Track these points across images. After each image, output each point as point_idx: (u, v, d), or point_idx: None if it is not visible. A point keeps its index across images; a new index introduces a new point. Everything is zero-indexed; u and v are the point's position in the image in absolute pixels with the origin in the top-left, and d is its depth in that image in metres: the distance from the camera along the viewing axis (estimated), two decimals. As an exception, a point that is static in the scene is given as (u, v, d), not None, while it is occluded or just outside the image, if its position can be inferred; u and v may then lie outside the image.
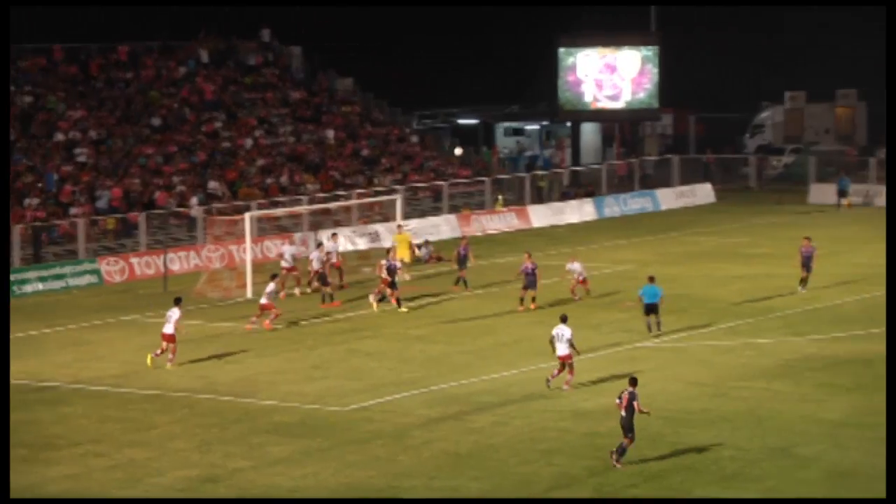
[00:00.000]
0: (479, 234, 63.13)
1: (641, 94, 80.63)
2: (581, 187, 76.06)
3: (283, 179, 64.49)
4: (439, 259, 54.62)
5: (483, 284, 48.40)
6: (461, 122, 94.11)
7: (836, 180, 74.41)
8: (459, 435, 29.60)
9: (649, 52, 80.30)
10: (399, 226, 54.00)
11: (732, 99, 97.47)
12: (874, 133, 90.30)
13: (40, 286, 49.91)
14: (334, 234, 51.41)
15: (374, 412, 31.69)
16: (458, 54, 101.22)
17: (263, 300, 41.56)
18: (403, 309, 43.51)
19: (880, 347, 37.31)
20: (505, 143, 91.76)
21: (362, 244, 58.80)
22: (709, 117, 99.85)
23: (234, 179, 63.21)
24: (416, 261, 52.83)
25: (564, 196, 73.19)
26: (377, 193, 63.64)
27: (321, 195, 63.00)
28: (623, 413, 27.22)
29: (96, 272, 51.61)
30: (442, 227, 63.00)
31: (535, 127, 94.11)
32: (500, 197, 68.37)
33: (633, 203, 72.52)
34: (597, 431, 29.52)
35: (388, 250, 47.50)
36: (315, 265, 47.36)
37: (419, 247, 53.26)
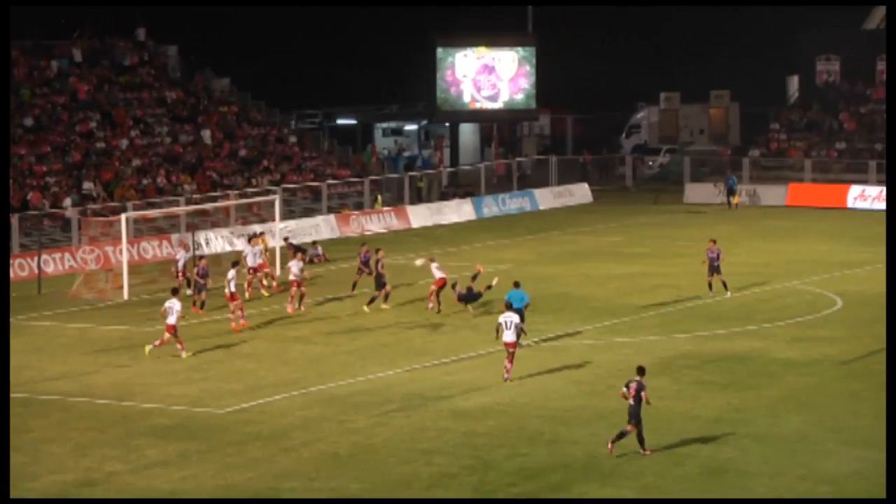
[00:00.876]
0: (359, 234, 63.05)
1: (519, 95, 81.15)
2: (460, 187, 76.30)
3: (160, 180, 63.88)
4: (326, 260, 54.40)
5: (362, 286, 48.29)
6: (339, 122, 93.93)
7: (714, 180, 75.60)
8: (339, 435, 29.55)
9: (527, 52, 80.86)
10: (261, 233, 52.25)
11: (609, 99, 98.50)
12: (747, 133, 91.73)
13: None
14: (185, 243, 50.84)
15: (253, 413, 31.52)
16: (336, 54, 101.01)
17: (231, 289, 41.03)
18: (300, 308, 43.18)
19: (754, 344, 37.96)
20: (384, 144, 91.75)
21: (240, 245, 58.29)
22: (586, 118, 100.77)
23: (109, 180, 62.48)
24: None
25: (443, 196, 73.37)
26: (255, 194, 63.29)
27: (198, 196, 62.50)
28: (631, 402, 27.52)
29: (-32, 274, 50.68)
30: (321, 227, 62.82)
31: (414, 127, 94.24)
32: (379, 197, 68.35)
33: (512, 203, 72.93)
34: (476, 431, 29.64)
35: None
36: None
37: (298, 249, 52.17)
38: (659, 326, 40.82)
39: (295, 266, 44.09)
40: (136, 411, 31.86)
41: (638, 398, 27.55)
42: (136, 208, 57.64)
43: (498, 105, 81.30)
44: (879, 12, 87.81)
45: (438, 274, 42.70)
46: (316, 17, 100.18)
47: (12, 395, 33.33)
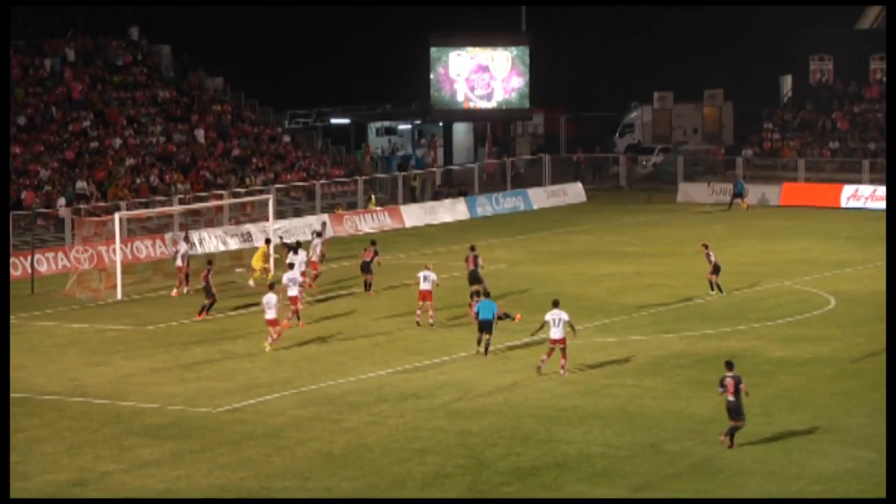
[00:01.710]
0: (353, 233, 63.03)
1: (513, 94, 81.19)
2: (453, 187, 76.31)
3: (153, 179, 63.83)
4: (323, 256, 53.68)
5: (357, 285, 48.32)
6: (333, 121, 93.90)
7: (707, 179, 75.74)
8: (333, 435, 29.55)
9: (520, 52, 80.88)
10: (267, 240, 52.14)
11: (602, 99, 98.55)
12: (740, 132, 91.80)
13: None
14: (186, 236, 50.87)
15: (246, 413, 31.52)
16: (329, 54, 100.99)
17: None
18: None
19: (748, 343, 37.99)
20: (377, 143, 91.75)
21: (234, 244, 58.44)
22: (579, 117, 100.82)
23: (102, 179, 62.42)
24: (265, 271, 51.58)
25: (437, 196, 73.36)
26: (249, 193, 63.27)
27: (192, 195, 62.45)
28: (731, 398, 27.75)
29: (-39, 274, 50.62)
30: (314, 227, 62.70)
31: (408, 126, 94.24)
32: (372, 196, 68.34)
33: (506, 202, 72.94)
34: (469, 430, 29.65)
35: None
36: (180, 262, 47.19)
37: (292, 248, 51.71)
38: (652, 326, 40.83)
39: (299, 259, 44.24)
40: (130, 411, 31.84)
41: (737, 392, 27.78)
42: (129, 208, 57.59)
43: (491, 104, 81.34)
44: (873, 12, 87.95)
45: (425, 286, 40.66)
46: (309, 16, 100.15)
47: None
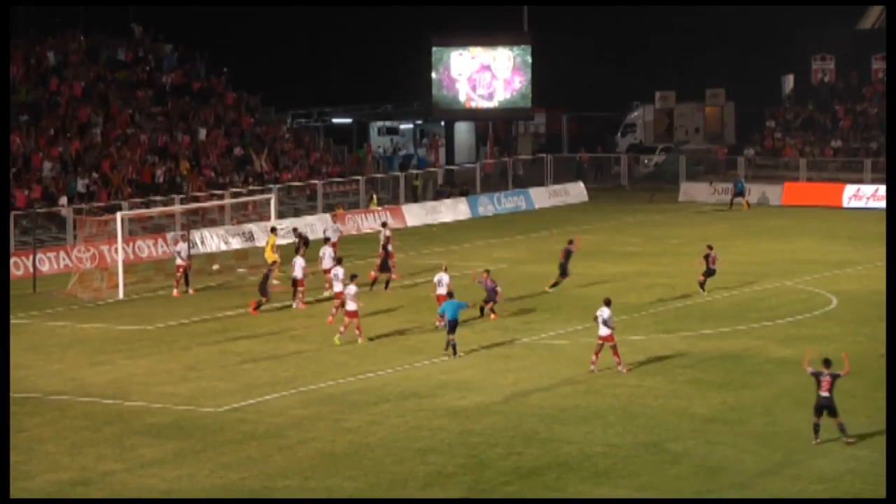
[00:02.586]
0: (354, 233, 63.04)
1: (515, 94, 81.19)
2: (455, 186, 76.31)
3: (157, 178, 63.79)
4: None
5: (359, 283, 48.24)
6: (335, 121, 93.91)
7: (709, 179, 75.79)
8: (334, 434, 29.56)
9: (522, 51, 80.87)
10: (273, 228, 52.68)
11: (604, 99, 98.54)
12: (742, 132, 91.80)
13: None
14: (183, 235, 50.93)
15: (248, 413, 31.53)
16: (331, 53, 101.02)
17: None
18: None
19: (749, 343, 37.99)
20: (379, 143, 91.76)
21: (236, 244, 58.46)
22: (581, 117, 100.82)
23: (104, 177, 62.36)
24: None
25: (439, 195, 73.39)
26: (251, 193, 63.28)
27: (194, 194, 62.46)
28: (826, 394, 28.04)
29: (-37, 273, 50.63)
30: (316, 226, 62.72)
31: (409, 126, 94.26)
32: (374, 196, 68.35)
33: (507, 202, 72.95)
34: (471, 430, 29.66)
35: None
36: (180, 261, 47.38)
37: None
38: (654, 325, 40.83)
39: (299, 263, 44.21)
40: (132, 410, 31.85)
41: (832, 389, 28.07)
42: (131, 207, 57.61)
43: (493, 104, 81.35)
44: (874, 12, 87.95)
45: (441, 290, 40.32)
46: (311, 15, 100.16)
47: (11, 395, 33.31)
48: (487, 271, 41.79)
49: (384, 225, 52.15)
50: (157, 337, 40.45)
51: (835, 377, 28.31)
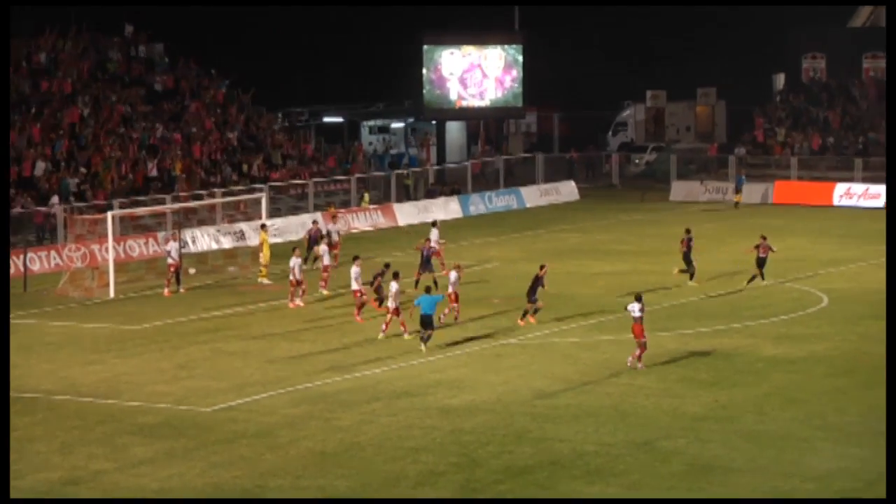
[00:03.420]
0: (346, 231, 62.95)
1: (506, 93, 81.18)
2: (446, 185, 76.31)
3: (151, 168, 63.68)
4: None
5: (347, 283, 48.25)
6: (326, 119, 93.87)
7: (700, 178, 75.92)
8: (326, 433, 29.54)
9: (514, 50, 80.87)
10: (263, 225, 52.97)
11: (595, 98, 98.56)
12: (733, 131, 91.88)
13: None
14: (174, 234, 50.82)
15: (239, 412, 31.50)
16: (323, 52, 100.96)
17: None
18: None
19: (741, 342, 38.02)
20: (370, 141, 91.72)
21: (227, 243, 58.41)
22: (572, 116, 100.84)
23: (96, 176, 62.27)
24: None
25: (430, 194, 73.38)
26: (242, 192, 63.21)
27: (185, 194, 62.37)
28: None
29: (-46, 272, 50.53)
30: (307, 225, 62.61)
31: (401, 125, 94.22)
32: (365, 195, 68.33)
33: (499, 201, 72.95)
34: (463, 428, 29.65)
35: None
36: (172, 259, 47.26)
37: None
38: (645, 324, 40.75)
39: (296, 262, 44.16)
40: (123, 409, 31.81)
41: None
42: (122, 206, 57.53)
43: (485, 103, 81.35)
44: (865, 11, 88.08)
45: (452, 289, 40.58)
46: (303, 15, 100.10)
47: None
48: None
49: (434, 224, 51.29)
50: (149, 336, 40.41)
51: None
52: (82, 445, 28.96)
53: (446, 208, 69.96)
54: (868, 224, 62.23)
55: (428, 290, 38.37)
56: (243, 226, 59.83)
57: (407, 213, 67.98)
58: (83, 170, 61.52)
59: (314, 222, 53.77)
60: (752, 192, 72.66)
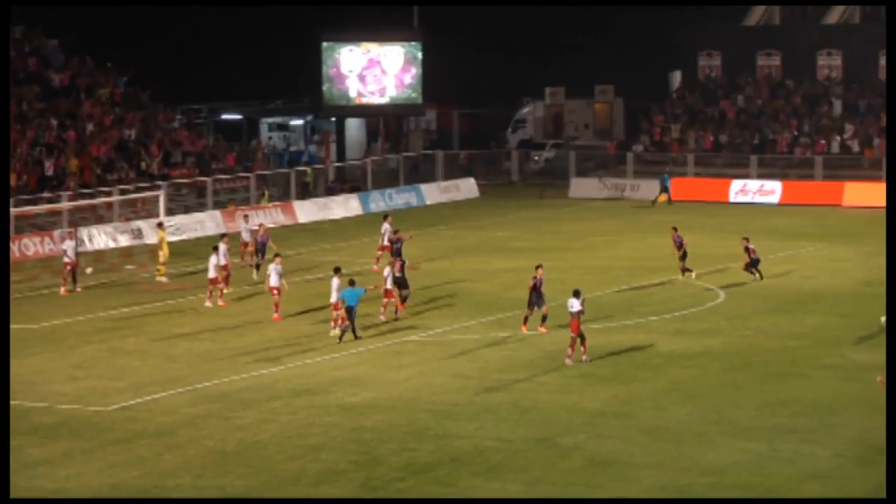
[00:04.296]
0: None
1: (405, 90, 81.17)
2: (346, 182, 76.19)
3: (48, 166, 62.91)
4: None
5: (253, 283, 48.07)
6: (225, 116, 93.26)
7: (598, 175, 76.40)
8: (225, 432, 29.39)
9: (413, 47, 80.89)
10: (160, 223, 52.54)
11: (495, 95, 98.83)
12: (631, 128, 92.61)
13: None
14: (70, 232, 50.22)
15: (137, 411, 31.24)
16: (221, 49, 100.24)
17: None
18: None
19: (639, 337, 38.35)
20: (270, 138, 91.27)
21: (125, 241, 57.88)
22: (472, 113, 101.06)
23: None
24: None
25: (330, 191, 73.23)
26: (140, 189, 62.64)
27: (81, 191, 61.67)
28: None
29: None
30: (206, 223, 62.38)
31: (300, 122, 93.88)
32: (265, 192, 68.02)
33: (399, 198, 72.97)
34: (363, 426, 29.65)
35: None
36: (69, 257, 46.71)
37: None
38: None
39: (213, 262, 43.84)
40: (18, 410, 31.38)
41: None
42: (17, 204, 56.78)
43: (384, 100, 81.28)
44: (759, 10, 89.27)
45: (389, 285, 40.73)
46: (201, 11, 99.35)
47: None
48: (262, 225, 41.79)
49: (385, 218, 51.21)
50: (44, 336, 39.93)
51: None
52: (-23, 447, 28.54)
53: (346, 206, 69.86)
54: (764, 220, 63.09)
55: (352, 283, 38.41)
56: (141, 224, 59.31)
57: (307, 211, 67.76)
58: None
59: (260, 225, 52.41)
60: (651, 188, 73.25)
